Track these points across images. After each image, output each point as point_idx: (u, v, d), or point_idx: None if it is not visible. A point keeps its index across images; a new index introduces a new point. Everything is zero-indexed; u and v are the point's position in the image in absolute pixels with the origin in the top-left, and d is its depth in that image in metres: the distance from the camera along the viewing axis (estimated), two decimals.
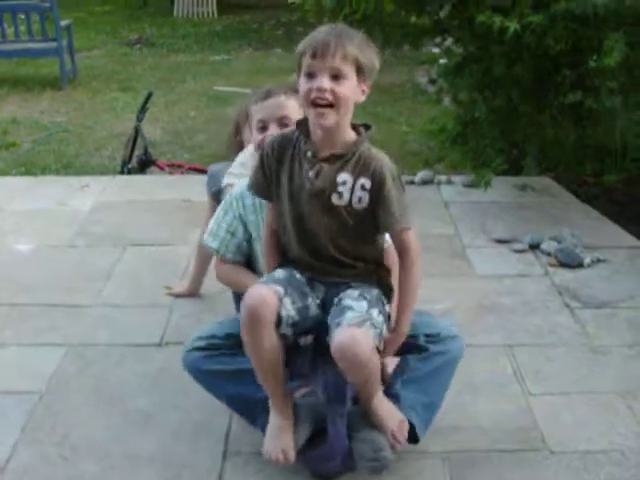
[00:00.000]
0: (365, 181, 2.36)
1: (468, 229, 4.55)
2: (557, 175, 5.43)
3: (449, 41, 5.32)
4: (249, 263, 2.91)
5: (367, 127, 2.44)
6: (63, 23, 9.89)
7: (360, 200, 2.37)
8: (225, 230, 2.83)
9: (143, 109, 6.20)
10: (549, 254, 4.20)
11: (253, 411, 2.65)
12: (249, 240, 2.85)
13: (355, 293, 2.41)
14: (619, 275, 3.99)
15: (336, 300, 2.41)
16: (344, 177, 2.36)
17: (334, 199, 2.37)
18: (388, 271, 2.53)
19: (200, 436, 2.81)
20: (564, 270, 4.05)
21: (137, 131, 6.11)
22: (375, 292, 2.44)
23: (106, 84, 9.93)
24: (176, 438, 2.79)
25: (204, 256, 3.70)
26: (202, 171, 6.00)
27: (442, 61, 5.94)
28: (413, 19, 4.63)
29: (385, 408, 2.50)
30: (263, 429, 2.56)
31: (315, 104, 2.28)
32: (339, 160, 2.37)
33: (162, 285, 3.86)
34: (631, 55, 4.12)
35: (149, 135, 6.51)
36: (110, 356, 3.30)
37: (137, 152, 6.15)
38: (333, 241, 2.42)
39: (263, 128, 2.79)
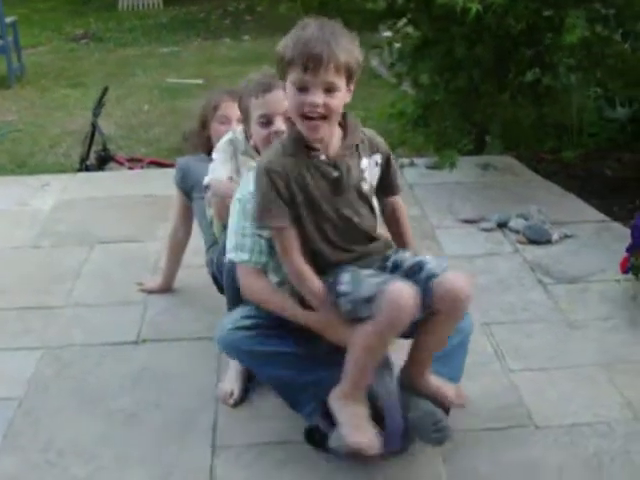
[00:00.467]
0: (377, 156, 2.48)
1: (435, 210, 4.57)
2: (518, 153, 5.48)
3: (402, 24, 5.32)
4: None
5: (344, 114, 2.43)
6: (8, 20, 9.69)
7: (375, 176, 2.50)
8: (251, 235, 2.63)
9: (99, 104, 6.11)
10: (517, 232, 4.23)
11: (296, 396, 2.62)
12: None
13: (397, 254, 2.49)
14: (587, 249, 4.04)
15: (387, 269, 2.45)
16: (365, 163, 2.45)
17: (364, 186, 2.46)
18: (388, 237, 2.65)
19: (187, 432, 2.77)
20: (533, 247, 4.09)
21: (94, 127, 6.02)
22: (402, 250, 2.56)
23: (55, 81, 9.76)
24: (163, 436, 2.76)
25: (176, 250, 3.68)
26: (163, 165, 5.95)
27: (397, 45, 5.94)
28: (370, 5, 4.60)
29: (437, 379, 2.53)
30: (310, 417, 2.59)
31: (307, 117, 2.28)
32: (354, 150, 2.43)
33: (133, 282, 3.81)
34: (590, 32, 4.16)
35: (104, 131, 6.42)
36: (88, 357, 3.24)
37: (95, 148, 6.06)
38: (368, 225, 2.48)
39: (267, 123, 2.74)
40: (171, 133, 7.49)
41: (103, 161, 5.97)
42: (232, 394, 2.92)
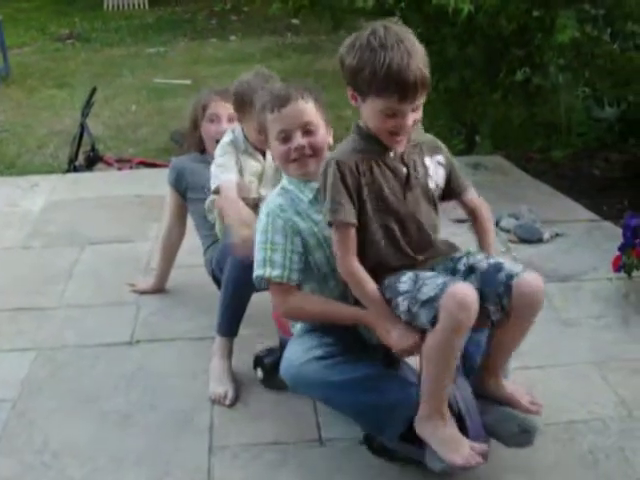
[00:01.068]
0: (438, 157, 2.45)
1: None
2: (507, 153, 5.50)
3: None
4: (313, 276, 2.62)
5: None
6: None
7: (440, 176, 2.44)
8: (281, 251, 2.51)
9: (88, 105, 6.09)
10: (508, 231, 4.25)
11: (381, 420, 2.43)
12: (307, 250, 2.55)
13: (468, 258, 2.39)
14: (579, 248, 4.06)
15: (460, 271, 2.37)
16: (428, 161, 2.41)
17: (431, 185, 2.42)
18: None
19: (183, 433, 2.77)
20: (525, 246, 4.11)
21: (83, 127, 5.99)
22: (471, 252, 2.46)
23: (41, 81, 9.72)
24: (159, 437, 2.75)
25: (169, 250, 3.67)
26: (152, 165, 5.94)
27: None
28: (360, 3, 4.60)
29: (508, 384, 2.47)
30: (392, 440, 2.46)
31: (392, 132, 2.27)
32: (418, 148, 2.40)
33: (125, 282, 3.80)
34: (580, 32, 4.18)
35: (92, 131, 6.40)
36: (81, 358, 3.23)
37: (83, 149, 6.04)
38: (432, 226, 2.42)
39: (286, 139, 2.55)
40: (159, 133, 7.48)
41: (92, 162, 5.96)
42: (226, 395, 2.92)
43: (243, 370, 3.08)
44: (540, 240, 4.13)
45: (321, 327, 2.54)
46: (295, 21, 11.69)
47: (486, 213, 2.58)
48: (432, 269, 2.37)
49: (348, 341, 2.48)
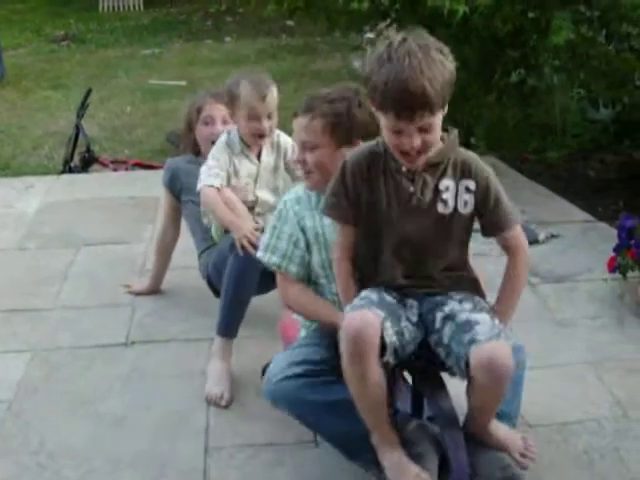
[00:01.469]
0: (469, 183, 2.21)
1: None
2: (502, 154, 5.50)
3: (385, 25, 5.34)
4: (309, 277, 2.62)
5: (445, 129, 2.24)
6: None
7: (466, 204, 2.22)
8: (286, 241, 2.53)
9: (83, 106, 6.08)
10: None
11: (354, 446, 2.39)
12: (308, 249, 2.56)
13: (460, 304, 2.24)
14: (574, 249, 4.07)
15: (440, 315, 2.24)
16: (446, 183, 2.21)
17: (440, 208, 2.22)
18: (477, 279, 2.35)
19: (179, 434, 2.77)
20: None
21: (78, 129, 5.99)
22: (477, 299, 2.28)
23: (36, 83, 9.70)
24: (154, 438, 2.75)
25: (164, 252, 3.66)
26: (147, 166, 5.93)
27: None
28: (355, 5, 4.60)
29: (502, 429, 2.35)
30: (367, 467, 2.39)
31: (404, 152, 2.15)
32: (437, 168, 2.21)
33: (120, 284, 3.80)
34: (575, 33, 4.19)
35: (87, 132, 6.39)
36: (77, 359, 3.23)
37: (79, 150, 6.03)
38: (435, 252, 2.26)
39: (297, 147, 2.60)
40: (154, 134, 7.47)
41: (87, 163, 5.95)
42: (222, 396, 2.92)
43: (241, 371, 3.08)
44: (535, 241, 4.13)
45: (318, 343, 2.48)
46: (290, 22, 11.68)
47: (516, 261, 2.34)
48: (419, 300, 2.27)
49: (337, 363, 2.32)
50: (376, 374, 2.14)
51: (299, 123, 2.51)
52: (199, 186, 3.16)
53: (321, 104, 2.47)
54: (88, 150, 5.98)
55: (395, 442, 2.26)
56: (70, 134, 6.14)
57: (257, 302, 3.35)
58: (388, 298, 2.23)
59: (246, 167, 3.22)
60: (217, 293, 3.21)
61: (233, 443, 2.70)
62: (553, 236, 4.19)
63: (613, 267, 3.54)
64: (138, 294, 3.72)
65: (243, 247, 2.96)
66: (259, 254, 2.61)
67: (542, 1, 4.14)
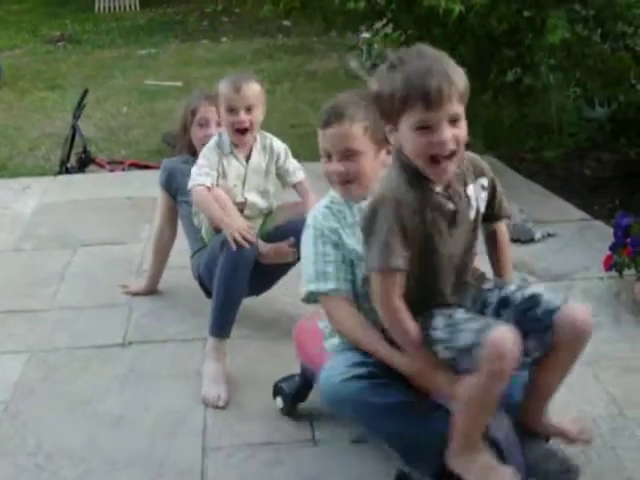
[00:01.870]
0: (482, 180, 2.25)
1: None
2: (498, 153, 5.51)
3: (381, 25, 5.35)
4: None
5: None
6: None
7: (483, 201, 2.26)
8: (334, 262, 2.38)
9: (80, 107, 6.08)
10: None
11: (411, 451, 2.30)
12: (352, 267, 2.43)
13: (500, 290, 2.26)
14: (570, 248, 4.08)
15: (490, 309, 2.24)
16: (470, 188, 2.21)
17: (471, 215, 2.22)
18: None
19: (176, 434, 2.77)
20: (516, 245, 4.10)
21: (74, 129, 5.98)
22: (501, 281, 2.34)
23: (33, 83, 9.69)
24: (152, 438, 2.75)
25: (161, 252, 3.67)
26: (144, 167, 5.93)
27: (376, 46, 5.97)
28: (351, 5, 4.60)
29: (553, 416, 2.35)
30: (427, 472, 2.29)
31: (435, 160, 2.07)
32: (461, 177, 2.19)
33: (118, 284, 3.80)
34: (571, 32, 4.20)
35: (83, 133, 6.38)
36: (74, 360, 3.23)
37: (75, 150, 6.03)
38: (471, 259, 2.28)
39: (328, 157, 2.43)
40: (150, 135, 7.47)
41: (84, 163, 5.95)
42: (219, 397, 2.92)
43: (236, 372, 3.08)
44: (532, 240, 4.14)
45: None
46: (286, 23, 11.68)
47: (507, 239, 2.44)
48: (459, 305, 2.25)
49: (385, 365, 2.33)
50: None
51: (334, 132, 2.37)
52: (190, 184, 3.17)
53: (356, 110, 2.35)
54: (85, 151, 5.98)
55: (482, 446, 2.18)
56: (66, 135, 6.14)
57: (251, 303, 3.37)
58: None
59: (234, 168, 3.24)
60: (209, 294, 3.21)
61: (231, 443, 2.70)
62: (549, 235, 4.19)
63: (609, 265, 3.55)
64: (135, 294, 3.72)
65: (236, 242, 2.95)
66: (310, 287, 2.39)
67: (537, 0, 4.14)
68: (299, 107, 8.12)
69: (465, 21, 4.24)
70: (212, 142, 3.25)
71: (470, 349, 2.05)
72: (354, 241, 2.37)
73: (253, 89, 3.18)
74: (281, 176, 3.36)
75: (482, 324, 2.09)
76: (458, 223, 2.18)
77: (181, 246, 3.61)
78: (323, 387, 2.35)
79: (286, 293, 3.52)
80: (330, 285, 2.37)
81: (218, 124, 3.42)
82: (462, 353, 2.09)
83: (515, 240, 4.14)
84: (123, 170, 5.92)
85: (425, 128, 2.02)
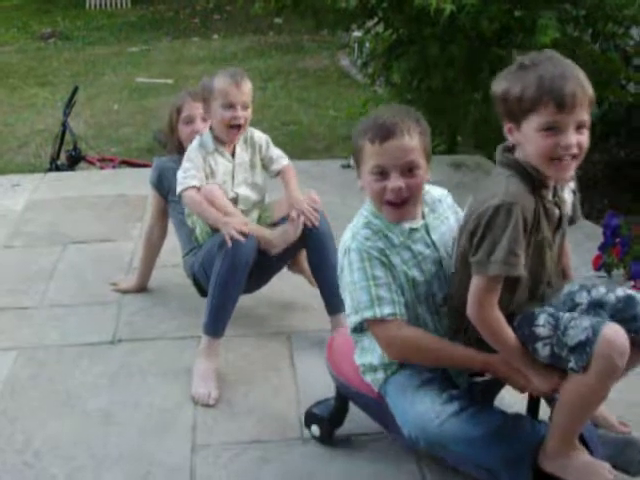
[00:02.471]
0: (571, 184, 2.28)
1: None
2: (488, 152, 5.52)
3: (372, 23, 5.36)
4: None
5: None
6: None
7: (570, 203, 2.27)
8: (386, 284, 2.26)
9: (70, 104, 6.06)
10: None
11: (516, 468, 2.20)
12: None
13: (589, 292, 2.27)
14: None
15: (585, 304, 2.26)
16: (566, 193, 2.23)
17: (567, 219, 2.26)
18: None
19: (166, 432, 2.77)
20: None
21: (65, 126, 5.97)
22: (587, 283, 2.35)
23: (23, 80, 9.69)
24: (141, 435, 2.75)
25: (151, 250, 3.66)
26: (135, 164, 5.93)
27: (367, 45, 5.97)
28: (343, 4, 4.61)
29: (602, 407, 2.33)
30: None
31: (558, 158, 2.07)
32: (559, 182, 2.21)
33: (108, 282, 3.80)
34: (561, 32, 4.22)
35: (73, 130, 6.38)
36: (63, 357, 3.22)
37: (65, 148, 6.02)
38: (561, 258, 2.31)
39: (383, 175, 2.27)
40: (141, 132, 7.48)
41: (74, 161, 5.94)
42: (210, 395, 2.92)
43: (228, 370, 3.09)
44: None
45: (416, 370, 2.34)
46: (278, 20, 11.70)
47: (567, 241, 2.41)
48: (550, 304, 2.24)
49: (450, 384, 2.31)
50: None
51: (396, 145, 2.23)
52: (179, 190, 3.18)
53: (411, 123, 2.26)
54: (75, 148, 5.97)
55: (578, 444, 2.18)
56: (57, 132, 6.13)
57: (246, 301, 3.36)
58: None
59: (222, 165, 3.24)
60: (203, 293, 3.21)
61: (220, 441, 2.70)
62: None
63: (598, 265, 3.56)
64: (125, 292, 3.72)
65: (233, 238, 2.95)
66: (366, 314, 2.26)
67: (528, 0, 4.15)
68: (290, 104, 8.13)
69: (456, 20, 4.25)
70: (195, 143, 3.25)
71: (583, 345, 2.03)
72: (400, 262, 2.29)
73: (249, 86, 3.19)
74: (266, 166, 3.36)
75: (593, 322, 2.06)
76: (560, 228, 2.20)
77: (172, 244, 3.61)
78: (421, 433, 2.25)
79: (279, 291, 3.54)
80: (386, 310, 2.25)
81: (204, 120, 3.41)
82: (572, 351, 2.06)
83: None
84: (113, 167, 5.91)
85: (552, 130, 2.02)
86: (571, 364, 2.06)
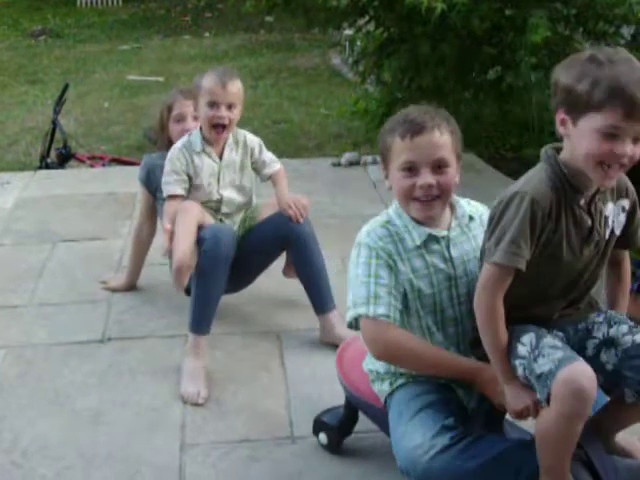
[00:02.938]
0: (624, 202, 2.14)
1: None
2: (479, 151, 5.53)
3: (363, 22, 5.36)
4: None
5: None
6: None
7: (620, 224, 2.15)
8: (387, 286, 2.21)
9: (60, 101, 6.04)
10: None
11: None
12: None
13: (610, 326, 2.16)
14: None
15: (592, 343, 2.16)
16: (610, 207, 2.12)
17: (607, 236, 2.13)
18: None
19: (155, 431, 2.76)
20: None
21: (55, 124, 5.95)
22: (617, 316, 2.22)
23: (14, 78, 9.64)
24: (130, 434, 2.74)
25: (140, 248, 3.66)
26: (125, 162, 5.91)
27: (359, 43, 5.97)
28: (333, 2, 4.61)
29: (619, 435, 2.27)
30: None
31: (607, 164, 1.96)
32: (603, 194, 2.10)
33: (97, 280, 3.79)
34: (552, 31, 4.23)
35: (64, 128, 6.35)
36: (52, 355, 3.21)
37: (55, 146, 5.99)
38: (593, 281, 2.17)
39: (412, 171, 2.22)
40: (131, 130, 7.44)
41: (64, 159, 5.91)
42: (199, 394, 2.92)
43: (217, 368, 3.08)
44: None
45: (420, 390, 2.28)
46: (269, 18, 11.68)
47: (628, 269, 2.30)
48: (562, 329, 2.17)
49: (453, 407, 2.23)
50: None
51: (426, 141, 2.18)
52: (164, 195, 3.22)
53: (441, 120, 2.22)
54: (65, 146, 5.94)
55: (569, 477, 2.07)
56: (47, 130, 6.10)
57: (233, 299, 3.36)
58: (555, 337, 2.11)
59: (208, 166, 3.23)
60: (188, 291, 3.21)
61: (209, 440, 2.70)
62: None
63: None
64: (114, 290, 3.71)
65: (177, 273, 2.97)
66: (360, 310, 2.22)
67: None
68: (281, 103, 8.12)
69: (447, 19, 4.25)
70: (179, 144, 3.25)
71: (545, 378, 1.96)
72: (408, 270, 2.24)
73: (237, 87, 3.18)
74: (258, 169, 3.35)
75: (564, 355, 1.97)
76: (591, 241, 2.09)
77: (160, 242, 3.57)
78: (409, 467, 2.18)
79: (267, 289, 3.53)
80: (380, 310, 2.20)
81: (195, 118, 3.41)
82: (537, 379, 1.99)
83: None
84: (103, 165, 5.89)
85: (610, 135, 1.93)
86: (537, 393, 2.01)
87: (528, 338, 2.06)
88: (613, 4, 4.43)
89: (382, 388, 2.37)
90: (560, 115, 2.00)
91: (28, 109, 8.26)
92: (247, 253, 3.18)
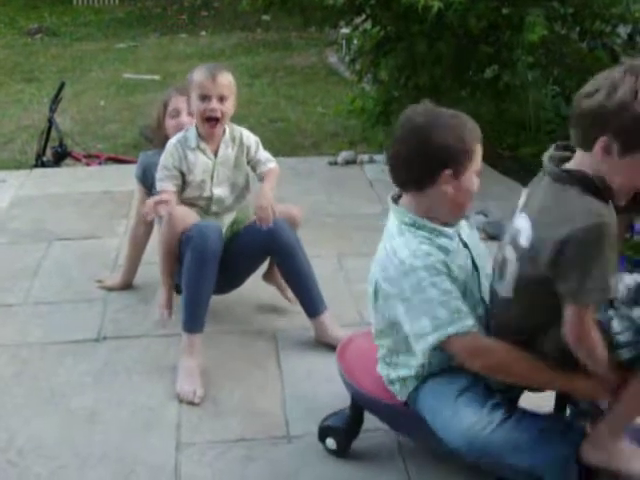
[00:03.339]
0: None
1: None
2: None
3: (360, 20, 5.35)
4: None
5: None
6: None
7: None
8: (459, 298, 2.16)
9: (56, 100, 6.02)
10: (477, 228, 4.24)
11: (567, 469, 2.15)
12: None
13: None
14: None
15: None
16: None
17: None
18: None
19: (150, 430, 2.75)
20: (494, 243, 4.11)
21: (51, 122, 5.93)
22: None
23: (9, 76, 9.61)
24: (126, 434, 2.73)
25: (137, 246, 3.65)
26: (121, 161, 5.89)
27: (355, 41, 5.97)
28: (330, 0, 4.60)
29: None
30: None
31: None
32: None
33: (93, 279, 3.78)
34: (549, 30, 4.23)
35: (60, 126, 6.33)
36: (48, 354, 3.20)
37: (51, 144, 5.97)
38: None
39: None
40: (127, 129, 7.43)
41: (60, 157, 5.89)
42: (195, 393, 2.91)
43: (213, 367, 3.07)
44: None
45: (450, 377, 2.28)
46: (265, 17, 11.67)
47: None
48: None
49: (486, 392, 2.25)
50: None
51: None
52: (158, 187, 3.21)
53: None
54: (61, 144, 5.92)
55: (623, 435, 2.15)
56: (43, 128, 6.08)
57: (229, 298, 3.36)
58: None
59: (202, 163, 3.21)
60: (177, 288, 3.20)
61: (204, 439, 2.69)
62: None
63: None
64: (110, 289, 3.70)
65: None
66: (450, 330, 2.13)
67: None
68: (278, 101, 8.11)
69: (444, 18, 4.24)
70: (174, 139, 3.24)
71: None
72: (461, 271, 2.23)
73: (228, 79, 3.16)
74: (253, 167, 3.34)
75: None
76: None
77: (156, 241, 3.58)
78: (466, 444, 2.18)
79: (263, 288, 3.52)
80: (469, 321, 2.15)
81: (190, 114, 3.40)
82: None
83: (492, 237, 4.15)
84: (99, 164, 5.88)
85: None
86: None
87: (617, 325, 2.06)
88: (610, 3, 4.44)
89: (405, 385, 2.35)
90: (604, 142, 1.92)
91: (24, 107, 8.24)
92: (234, 256, 3.18)
